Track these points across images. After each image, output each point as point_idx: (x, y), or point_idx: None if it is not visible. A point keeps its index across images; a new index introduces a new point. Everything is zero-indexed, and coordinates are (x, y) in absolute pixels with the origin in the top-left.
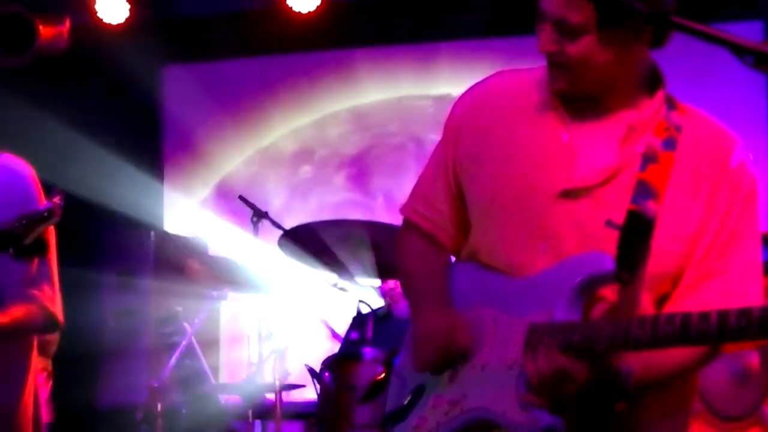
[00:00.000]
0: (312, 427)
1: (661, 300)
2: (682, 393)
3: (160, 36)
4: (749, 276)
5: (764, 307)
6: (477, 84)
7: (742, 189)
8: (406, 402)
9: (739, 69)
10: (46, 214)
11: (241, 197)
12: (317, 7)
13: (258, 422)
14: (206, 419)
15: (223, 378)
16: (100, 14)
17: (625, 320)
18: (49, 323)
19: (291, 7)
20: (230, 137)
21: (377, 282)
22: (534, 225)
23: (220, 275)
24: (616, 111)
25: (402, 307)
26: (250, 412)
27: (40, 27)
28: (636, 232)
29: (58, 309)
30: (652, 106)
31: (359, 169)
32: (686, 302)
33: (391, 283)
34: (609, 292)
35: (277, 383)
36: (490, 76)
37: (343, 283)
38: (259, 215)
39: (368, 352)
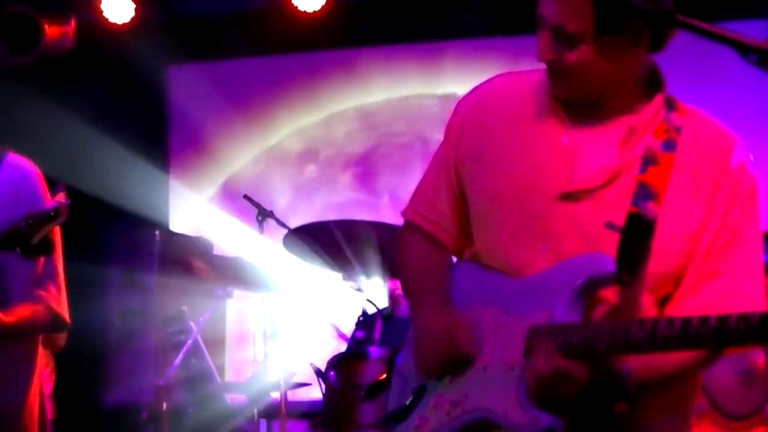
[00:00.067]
0: (317, 426)
1: (663, 300)
2: (682, 393)
3: (166, 35)
4: (751, 275)
5: (764, 313)
6: (479, 86)
7: (742, 189)
8: (407, 402)
9: (743, 68)
10: (52, 213)
11: (246, 196)
12: (322, 6)
13: (263, 421)
14: (212, 418)
15: (229, 377)
16: (105, 14)
17: (626, 322)
18: (55, 323)
19: (296, 7)
20: (236, 136)
21: (382, 282)
22: (534, 226)
23: (225, 274)
24: (615, 114)
25: (404, 308)
26: (255, 411)
27: (46, 27)
28: (636, 234)
29: (64, 309)
30: (651, 108)
31: (365, 169)
32: (688, 302)
33: (395, 283)
34: (610, 294)
35: (283, 382)
36: (492, 78)
37: (353, 282)
38: (264, 214)
39: (374, 351)
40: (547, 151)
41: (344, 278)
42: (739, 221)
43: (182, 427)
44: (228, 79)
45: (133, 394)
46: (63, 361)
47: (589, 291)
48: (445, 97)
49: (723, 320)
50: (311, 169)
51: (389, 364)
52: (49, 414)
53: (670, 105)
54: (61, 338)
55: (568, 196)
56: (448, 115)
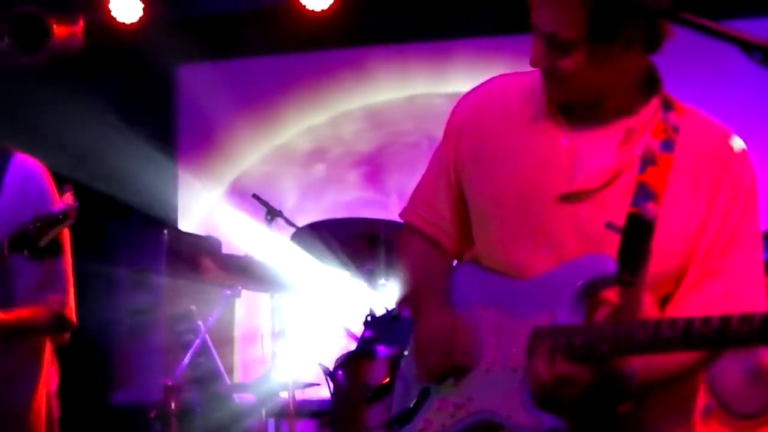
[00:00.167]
0: (325, 426)
1: (664, 300)
2: (684, 393)
3: (174, 35)
4: (751, 273)
5: (766, 314)
6: (477, 87)
7: (742, 187)
8: (411, 405)
9: (747, 66)
10: (61, 216)
11: (254, 196)
12: (330, 5)
13: (271, 421)
14: (220, 418)
15: (238, 376)
16: (114, 13)
17: (628, 324)
18: (58, 325)
19: (304, 6)
20: (244, 135)
21: (391, 280)
22: (535, 228)
23: (234, 273)
24: (613, 115)
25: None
26: (263, 411)
27: (55, 26)
28: (637, 235)
29: (69, 310)
30: (649, 109)
31: (373, 168)
32: (689, 301)
33: None
34: (611, 294)
35: (291, 382)
36: (490, 80)
37: (363, 281)
38: (272, 213)
39: (382, 350)
40: (546, 153)
41: (353, 277)
42: (739, 220)
43: (191, 427)
44: (236, 78)
45: (141, 394)
46: (71, 360)
47: (590, 292)
48: (454, 96)
49: (725, 321)
50: (320, 168)
51: (392, 367)
52: (56, 413)
53: (667, 105)
54: (65, 335)
55: (568, 197)
56: None
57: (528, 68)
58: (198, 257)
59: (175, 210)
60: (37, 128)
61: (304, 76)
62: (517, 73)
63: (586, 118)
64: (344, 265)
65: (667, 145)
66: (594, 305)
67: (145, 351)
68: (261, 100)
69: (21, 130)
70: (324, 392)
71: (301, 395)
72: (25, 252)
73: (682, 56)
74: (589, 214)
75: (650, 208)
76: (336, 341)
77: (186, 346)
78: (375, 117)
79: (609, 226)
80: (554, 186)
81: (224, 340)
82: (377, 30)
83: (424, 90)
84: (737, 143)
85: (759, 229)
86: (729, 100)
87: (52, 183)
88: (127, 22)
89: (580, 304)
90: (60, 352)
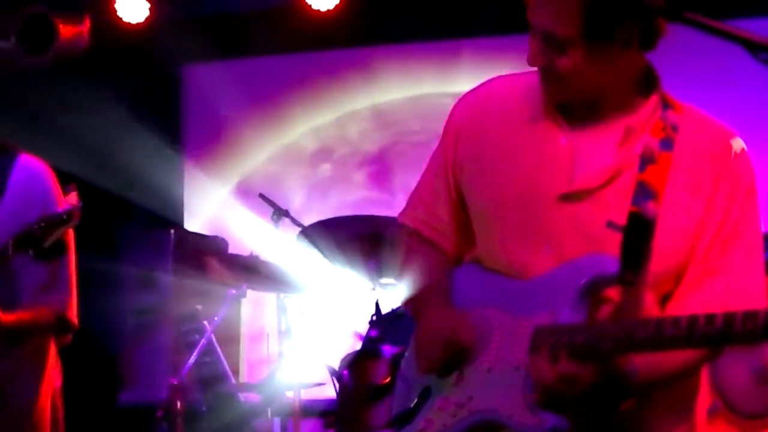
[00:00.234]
0: (331, 426)
1: (665, 298)
2: (686, 392)
3: (180, 35)
4: (752, 271)
5: None
6: (475, 88)
7: (742, 184)
8: (412, 405)
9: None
10: (65, 217)
11: (261, 195)
12: (336, 5)
13: (277, 420)
14: (226, 417)
15: (244, 376)
16: (120, 14)
17: (631, 322)
18: (59, 326)
19: (310, 5)
20: (251, 135)
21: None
22: (535, 228)
23: (240, 273)
24: (612, 114)
25: None
26: (269, 410)
27: (61, 26)
28: (638, 234)
29: (72, 311)
30: (648, 107)
31: (380, 168)
32: (690, 299)
33: None
34: (613, 294)
35: (297, 381)
36: (488, 81)
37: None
38: (279, 213)
39: (387, 350)
40: (546, 153)
41: (359, 276)
42: (740, 217)
43: (196, 426)
44: (242, 78)
45: (147, 393)
46: (77, 360)
47: (592, 291)
48: (460, 96)
49: (729, 319)
50: (326, 168)
51: (393, 368)
52: (61, 412)
53: (666, 103)
54: (67, 336)
55: (568, 197)
56: None
57: (514, 73)
58: (204, 257)
59: (181, 210)
60: (43, 128)
61: (311, 76)
62: (516, 74)
63: (585, 118)
64: (350, 264)
65: (667, 144)
66: (596, 304)
67: (151, 351)
68: (267, 99)
69: (28, 130)
70: (330, 392)
71: (306, 395)
72: (30, 252)
73: (683, 56)
74: (589, 213)
75: (651, 207)
76: (342, 341)
77: (192, 346)
78: (381, 117)
79: (610, 225)
80: (554, 186)
81: (230, 339)
82: (383, 30)
83: (430, 90)
84: (737, 141)
85: (759, 226)
86: (730, 100)
87: (57, 184)
88: (134, 22)
89: (582, 303)
90: (66, 352)
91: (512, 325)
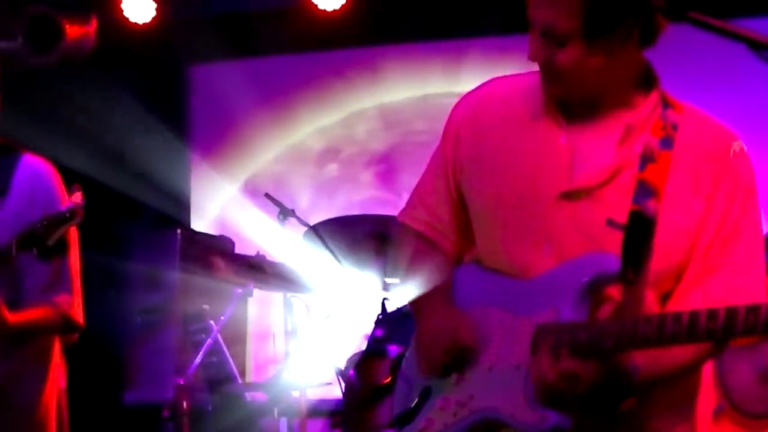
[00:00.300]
0: (337, 425)
1: (666, 296)
2: (686, 390)
3: (186, 35)
4: (752, 268)
5: None
6: (473, 90)
7: (741, 182)
8: (413, 405)
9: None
10: (68, 214)
11: (267, 195)
12: (342, 5)
13: (283, 420)
14: (232, 417)
15: (250, 375)
16: (126, 14)
17: (632, 319)
18: (65, 325)
19: (316, 5)
20: (257, 135)
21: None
22: (536, 227)
23: (246, 273)
24: (611, 111)
25: None
26: (275, 410)
27: (67, 27)
28: (638, 232)
29: (77, 311)
30: (647, 106)
31: (386, 167)
32: (690, 296)
33: None
34: (614, 292)
35: (303, 381)
36: (488, 81)
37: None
38: (285, 213)
39: (393, 350)
40: (545, 151)
41: (365, 275)
42: (740, 215)
43: (203, 426)
44: (249, 77)
45: (153, 393)
46: (83, 359)
47: (594, 289)
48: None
49: (731, 313)
50: (333, 168)
51: (394, 368)
52: (65, 411)
53: (666, 102)
54: (72, 335)
55: (568, 195)
56: None
57: (513, 74)
58: (211, 257)
59: (188, 209)
60: (52, 128)
61: (317, 76)
62: (516, 74)
63: (585, 115)
64: (356, 263)
65: (667, 143)
66: (597, 303)
67: (157, 350)
68: (274, 99)
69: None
70: (336, 391)
71: (313, 394)
72: (33, 251)
73: (684, 56)
74: (589, 211)
75: (651, 205)
76: (348, 340)
77: (198, 346)
78: (388, 116)
79: (610, 223)
80: (554, 184)
81: (237, 339)
82: (389, 29)
83: (436, 89)
84: (736, 141)
85: (759, 224)
86: (732, 100)
87: (61, 183)
88: (140, 22)
89: (584, 301)
90: (72, 351)
91: (513, 324)
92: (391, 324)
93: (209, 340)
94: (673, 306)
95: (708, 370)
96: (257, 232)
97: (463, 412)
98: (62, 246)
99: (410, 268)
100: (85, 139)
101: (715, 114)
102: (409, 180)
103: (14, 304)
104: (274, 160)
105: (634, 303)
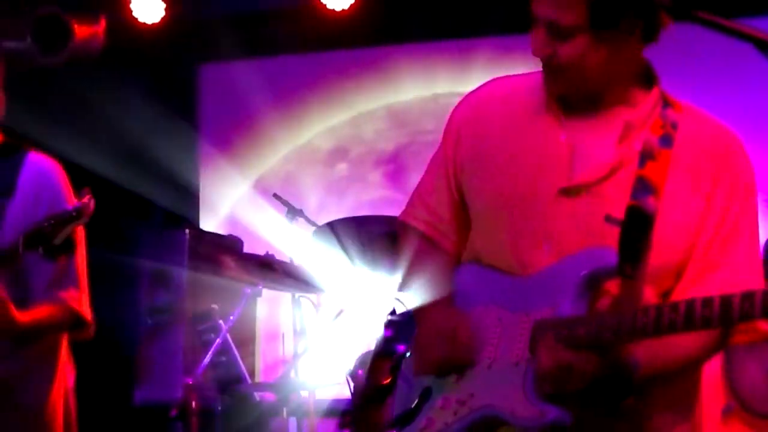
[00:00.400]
0: (346, 425)
1: (666, 294)
2: (686, 389)
3: (195, 35)
4: (752, 266)
5: (766, 290)
6: (474, 90)
7: (741, 181)
8: (413, 405)
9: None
10: (74, 213)
11: (275, 195)
12: (351, 5)
13: (293, 419)
14: (241, 417)
15: (259, 375)
16: (135, 14)
17: (630, 311)
18: (74, 323)
19: (325, 5)
20: (266, 135)
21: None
22: (536, 224)
23: (254, 272)
24: (612, 108)
25: None
26: (284, 410)
27: (76, 27)
28: (637, 227)
29: (85, 308)
30: (648, 104)
31: (395, 167)
32: (690, 294)
33: None
34: (612, 287)
35: (312, 381)
36: (487, 82)
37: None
38: (294, 213)
39: (402, 350)
40: (545, 149)
41: (374, 275)
42: (739, 214)
43: (211, 426)
44: (258, 77)
45: (162, 392)
46: (92, 358)
47: (593, 284)
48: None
49: (726, 300)
50: (341, 168)
51: (394, 368)
52: (73, 410)
53: (666, 102)
54: (84, 331)
55: (568, 192)
56: None
57: (512, 74)
58: (219, 256)
59: (197, 209)
60: (61, 128)
61: (325, 76)
62: (516, 75)
63: (585, 112)
64: (365, 262)
65: (666, 141)
66: (596, 298)
67: (166, 350)
68: (283, 99)
69: (46, 129)
70: (346, 391)
71: (322, 394)
72: (40, 250)
73: (686, 56)
74: (588, 207)
75: (650, 201)
76: (358, 341)
77: (207, 345)
78: (396, 116)
79: (608, 219)
80: (554, 181)
81: (246, 339)
82: (398, 29)
83: (445, 89)
84: (735, 139)
85: (757, 222)
86: (734, 100)
87: (67, 181)
88: (149, 22)
89: (583, 296)
90: (81, 350)
91: (512, 322)
92: (401, 324)
93: (218, 340)
94: None
95: (717, 370)
96: (267, 231)
97: (464, 411)
98: (69, 245)
99: (411, 267)
100: (96, 139)
101: (718, 114)
102: (418, 179)
103: (22, 303)
104: (284, 160)
105: (633, 297)
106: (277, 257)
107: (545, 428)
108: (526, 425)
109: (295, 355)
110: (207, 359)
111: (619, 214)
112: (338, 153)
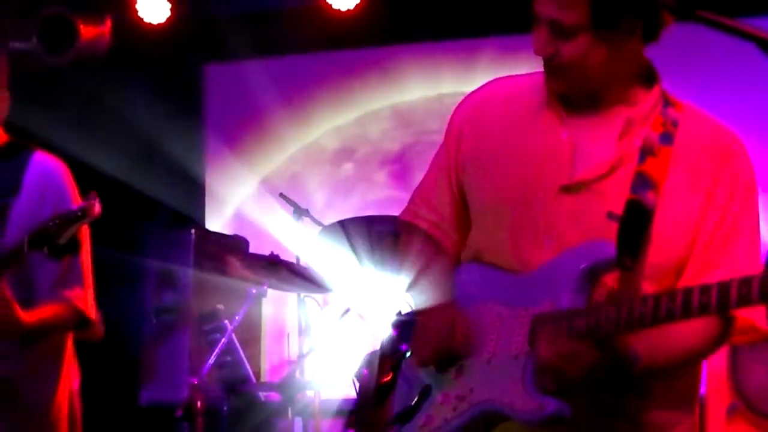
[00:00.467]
0: (351, 425)
1: None
2: (687, 384)
3: (201, 35)
4: (752, 265)
5: (764, 274)
6: (475, 90)
7: (741, 180)
8: (413, 402)
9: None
10: (79, 213)
11: (282, 195)
12: (356, 5)
13: (298, 419)
14: (247, 417)
15: (265, 375)
16: (141, 14)
17: (628, 302)
18: (79, 322)
19: (331, 5)
20: (272, 135)
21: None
22: (537, 222)
23: (260, 272)
24: (613, 106)
25: None
26: (290, 410)
27: (82, 27)
28: (636, 221)
29: (90, 307)
30: (648, 102)
31: (401, 167)
32: None
33: None
34: (612, 280)
35: (318, 381)
36: (488, 83)
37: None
38: (300, 213)
39: (404, 348)
40: (546, 146)
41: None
42: (740, 212)
43: (217, 426)
44: (263, 77)
45: (167, 393)
46: (98, 358)
47: (592, 276)
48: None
49: (724, 287)
50: (348, 168)
51: (395, 367)
52: (78, 411)
53: (666, 100)
54: (99, 329)
55: (569, 189)
56: None
57: (514, 74)
58: (225, 256)
59: (202, 209)
60: (68, 127)
61: (331, 76)
62: (518, 75)
63: (586, 109)
64: (373, 262)
65: (667, 138)
66: (595, 290)
67: (172, 350)
68: (288, 99)
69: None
70: (351, 392)
71: (328, 394)
72: (45, 249)
73: (688, 56)
74: (589, 204)
75: (650, 196)
76: (363, 341)
77: (213, 345)
78: (402, 116)
79: (610, 215)
80: (554, 178)
81: (251, 339)
82: (403, 29)
83: (450, 89)
84: (736, 139)
85: (758, 221)
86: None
87: (72, 181)
88: (155, 22)
89: (582, 289)
90: (87, 350)
91: (511, 317)
92: (406, 324)
93: (223, 340)
94: None
95: (722, 369)
96: (273, 231)
97: (463, 406)
98: (74, 245)
99: (413, 266)
100: (102, 139)
101: (719, 114)
102: None
103: (27, 303)
104: (290, 160)
105: (632, 290)
106: (283, 257)
107: (544, 421)
108: (525, 418)
109: (301, 355)
110: (212, 359)
111: (620, 210)
112: (344, 153)
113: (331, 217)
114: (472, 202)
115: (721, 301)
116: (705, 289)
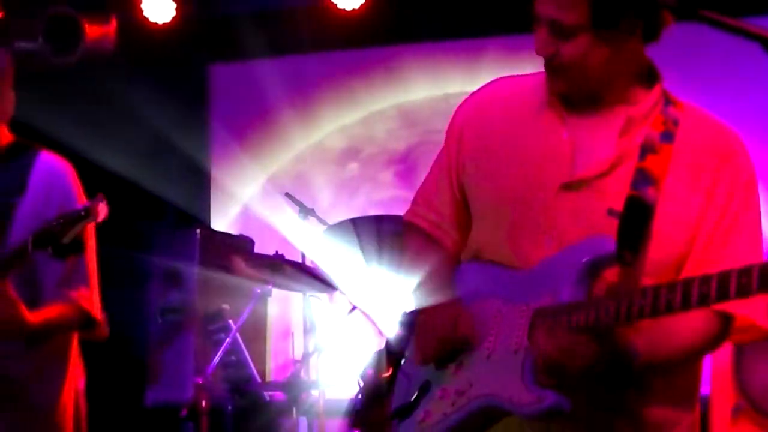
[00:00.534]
0: (356, 425)
1: None
2: (687, 381)
3: (206, 34)
4: (753, 261)
5: (764, 264)
6: (476, 91)
7: (741, 179)
8: (412, 398)
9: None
10: (83, 213)
11: (287, 194)
12: (362, 4)
13: (303, 419)
14: (251, 416)
15: (270, 374)
16: (146, 14)
17: (627, 295)
18: (84, 321)
19: (336, 5)
20: (278, 134)
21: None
22: (538, 220)
23: (265, 272)
24: (613, 105)
25: None
26: (294, 410)
27: (87, 27)
28: (636, 217)
29: (95, 307)
30: (649, 101)
31: (406, 166)
32: None
33: None
34: (612, 275)
35: (322, 380)
36: (489, 83)
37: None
38: (305, 212)
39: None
40: (547, 145)
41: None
42: (740, 210)
43: (222, 426)
44: (269, 77)
45: (173, 392)
46: (103, 359)
47: (592, 271)
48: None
49: (723, 276)
50: (353, 167)
51: (395, 363)
52: (83, 411)
53: (667, 99)
54: (104, 329)
55: (570, 186)
56: None
57: (515, 74)
58: (230, 256)
59: (207, 209)
60: (74, 126)
61: (337, 75)
62: (514, 75)
63: (587, 108)
64: (379, 261)
65: (667, 136)
66: (595, 285)
67: (177, 350)
68: (294, 99)
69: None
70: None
71: (332, 394)
72: (49, 249)
73: (689, 56)
74: (589, 201)
75: (650, 192)
76: (369, 340)
77: (218, 345)
78: (408, 116)
79: (611, 212)
80: (555, 176)
81: (256, 338)
82: (409, 28)
83: (456, 88)
84: (736, 138)
85: (759, 219)
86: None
87: (78, 181)
88: (160, 22)
89: (583, 283)
90: (92, 351)
91: (512, 312)
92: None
93: (228, 340)
94: None
95: (727, 369)
96: (278, 230)
97: (462, 401)
98: (78, 245)
99: (415, 266)
100: (108, 138)
101: (720, 114)
102: None
103: (32, 303)
104: (295, 159)
105: (631, 285)
106: (289, 256)
107: (543, 414)
108: (524, 412)
109: (306, 355)
110: (217, 359)
111: (621, 207)
112: (350, 152)
113: (337, 217)
114: (473, 201)
115: (720, 292)
116: (705, 280)
